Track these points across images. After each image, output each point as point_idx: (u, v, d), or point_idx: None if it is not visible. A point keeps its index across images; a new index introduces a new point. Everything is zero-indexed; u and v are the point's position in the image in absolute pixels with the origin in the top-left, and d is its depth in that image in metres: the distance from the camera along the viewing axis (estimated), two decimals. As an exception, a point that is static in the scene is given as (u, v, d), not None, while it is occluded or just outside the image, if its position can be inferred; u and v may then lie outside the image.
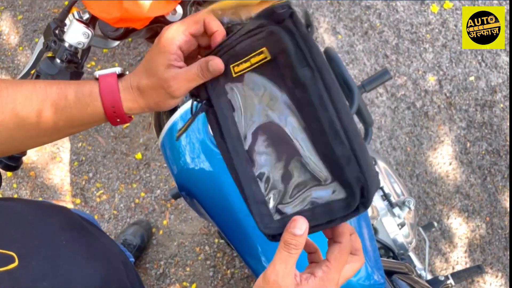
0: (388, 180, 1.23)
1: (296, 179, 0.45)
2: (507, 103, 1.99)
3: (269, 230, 0.43)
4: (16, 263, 0.45)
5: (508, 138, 1.94)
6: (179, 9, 0.76)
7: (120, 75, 0.54)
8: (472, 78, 2.02)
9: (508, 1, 2.12)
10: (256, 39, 0.47)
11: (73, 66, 0.77)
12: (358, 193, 0.41)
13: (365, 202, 0.42)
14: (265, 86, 0.48)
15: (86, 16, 0.79)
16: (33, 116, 0.51)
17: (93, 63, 2.08)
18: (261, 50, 0.47)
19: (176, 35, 0.50)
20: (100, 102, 0.52)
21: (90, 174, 1.95)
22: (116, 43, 0.85)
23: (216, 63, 0.49)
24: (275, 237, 0.45)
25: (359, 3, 2.15)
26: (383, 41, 2.09)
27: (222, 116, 0.47)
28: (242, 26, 0.47)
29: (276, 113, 0.47)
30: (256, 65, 0.48)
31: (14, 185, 1.95)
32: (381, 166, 1.24)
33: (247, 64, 0.48)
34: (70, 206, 1.90)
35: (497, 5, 2.13)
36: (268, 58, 0.47)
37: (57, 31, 0.75)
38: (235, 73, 0.48)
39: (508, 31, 2.05)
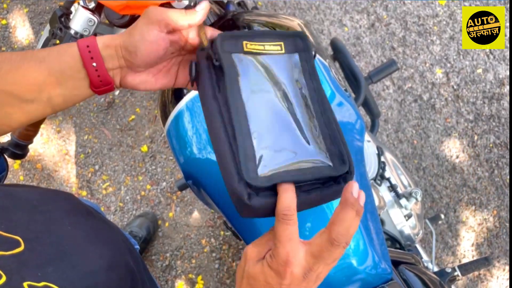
0: (395, 171, 1.22)
1: (287, 145, 0.46)
2: (516, 96, 1.97)
3: (255, 181, 0.43)
4: (22, 247, 0.45)
5: (516, 131, 1.93)
6: (185, -3, 0.76)
7: None
8: (480, 71, 2.01)
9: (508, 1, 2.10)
10: (275, 33, 0.52)
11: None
12: (342, 163, 0.46)
13: (351, 172, 0.46)
14: (274, 70, 0.50)
15: (92, 5, 0.79)
16: (13, 72, 0.51)
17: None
18: (279, 43, 0.51)
19: (170, 11, 0.50)
20: (76, 47, 0.51)
21: (96, 167, 1.96)
22: (122, 30, 0.85)
23: (203, 6, 0.51)
24: (253, 196, 0.44)
25: (366, -5, 2.13)
26: (390, 33, 2.08)
27: (229, 70, 0.47)
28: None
29: (279, 91, 0.49)
30: (268, 52, 0.50)
31: (21, 177, 1.96)
32: (388, 158, 1.23)
33: (261, 47, 0.50)
34: (76, 198, 1.91)
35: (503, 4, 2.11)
36: (282, 52, 0.50)
37: (63, 18, 0.75)
38: (246, 48, 0.49)
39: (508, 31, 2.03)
